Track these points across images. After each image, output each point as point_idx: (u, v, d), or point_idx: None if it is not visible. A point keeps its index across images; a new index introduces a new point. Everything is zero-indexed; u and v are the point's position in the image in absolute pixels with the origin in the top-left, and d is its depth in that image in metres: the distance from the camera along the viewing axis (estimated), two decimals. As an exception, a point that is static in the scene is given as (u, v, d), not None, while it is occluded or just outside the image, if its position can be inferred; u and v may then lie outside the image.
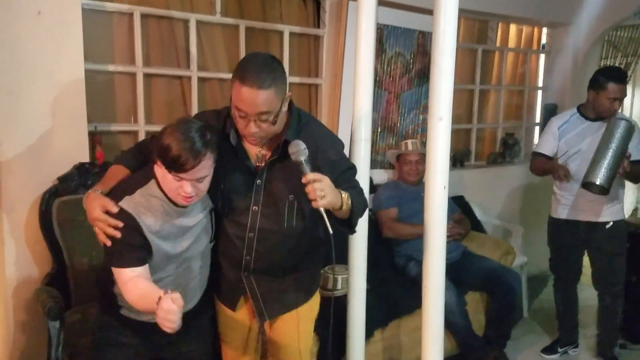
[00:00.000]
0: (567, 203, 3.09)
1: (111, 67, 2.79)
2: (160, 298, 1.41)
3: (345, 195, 1.62)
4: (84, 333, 2.09)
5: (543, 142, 3.17)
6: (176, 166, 1.54)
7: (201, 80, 3.07)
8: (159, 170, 1.61)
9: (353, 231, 1.76)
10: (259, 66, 1.60)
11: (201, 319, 1.92)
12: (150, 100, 2.96)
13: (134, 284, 1.58)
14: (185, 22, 2.98)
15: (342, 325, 2.28)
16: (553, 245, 3.28)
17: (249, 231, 1.77)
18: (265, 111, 1.60)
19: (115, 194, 1.66)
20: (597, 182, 2.70)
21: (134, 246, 1.60)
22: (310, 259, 1.92)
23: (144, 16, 2.84)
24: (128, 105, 2.90)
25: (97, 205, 1.62)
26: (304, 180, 1.55)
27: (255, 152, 1.75)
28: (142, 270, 1.62)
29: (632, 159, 2.82)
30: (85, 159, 2.56)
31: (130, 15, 2.80)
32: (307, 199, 1.57)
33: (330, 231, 1.57)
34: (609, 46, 4.57)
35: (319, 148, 1.71)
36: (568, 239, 3.15)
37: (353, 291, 2.23)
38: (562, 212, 3.13)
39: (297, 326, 1.94)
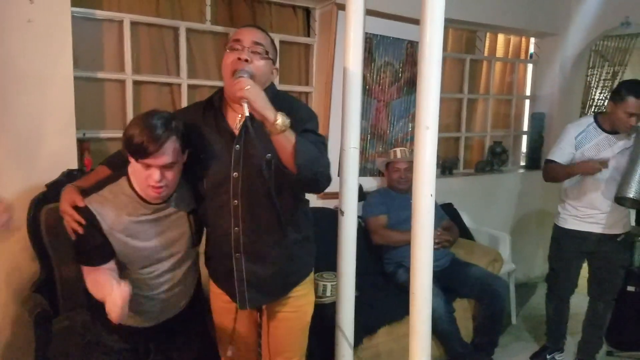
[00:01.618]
0: (579, 214, 3.00)
1: (100, 74, 2.80)
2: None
3: (282, 115, 1.59)
4: (71, 340, 2.08)
5: (560, 150, 3.01)
6: (140, 151, 1.58)
7: (191, 87, 3.09)
8: (131, 165, 1.65)
9: (300, 173, 1.63)
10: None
11: (191, 326, 1.92)
12: (140, 107, 2.96)
13: (94, 277, 1.63)
14: (175, 29, 3.00)
15: (330, 332, 2.28)
16: (557, 256, 3.18)
17: (232, 199, 1.77)
18: (261, 43, 1.74)
19: (88, 191, 1.72)
20: (631, 196, 2.66)
21: (94, 245, 1.64)
22: (299, 246, 1.91)
23: (134, 24, 2.86)
24: (117, 112, 2.90)
25: (67, 198, 1.69)
26: (234, 81, 1.62)
27: (235, 118, 1.77)
28: (104, 268, 1.66)
29: None
30: (74, 165, 2.55)
31: (120, 22, 2.81)
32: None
33: (246, 113, 1.58)
34: (596, 56, 4.62)
35: (291, 109, 1.73)
36: (574, 250, 3.07)
37: (342, 298, 2.23)
38: (573, 223, 3.04)
39: (292, 322, 1.96)
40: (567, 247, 3.10)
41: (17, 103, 2.39)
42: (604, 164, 2.82)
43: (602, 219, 2.95)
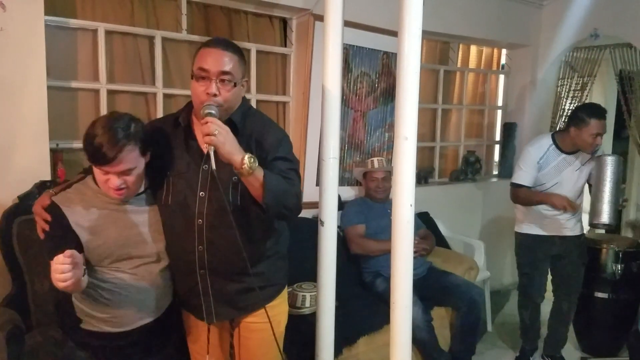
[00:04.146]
0: (545, 221, 3.15)
1: (74, 84, 2.75)
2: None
3: (249, 158, 1.58)
4: (44, 356, 2.02)
5: (524, 174, 3.11)
6: (97, 158, 1.59)
7: (167, 97, 3.06)
8: (93, 168, 1.66)
9: (268, 211, 1.66)
10: (226, 40, 1.77)
11: (167, 345, 1.89)
12: (115, 117, 2.92)
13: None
14: (151, 38, 2.97)
15: (310, 342, 2.27)
16: (528, 263, 3.27)
17: (197, 218, 1.75)
18: (228, 71, 1.68)
19: (58, 192, 1.73)
20: (605, 222, 2.81)
21: (61, 238, 1.62)
22: (267, 261, 1.89)
23: (109, 33, 2.82)
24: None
25: (39, 200, 1.71)
26: (202, 121, 1.60)
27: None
28: None
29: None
30: (47, 176, 2.49)
31: (95, 31, 2.77)
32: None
33: (213, 167, 1.57)
34: (566, 67, 4.72)
35: (261, 133, 1.76)
36: (543, 254, 3.22)
37: (322, 309, 2.22)
38: (540, 230, 3.19)
39: (265, 332, 1.91)
40: (537, 252, 3.23)
41: (-12, 113, 2.33)
42: (575, 208, 3.00)
43: (564, 224, 3.13)
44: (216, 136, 1.55)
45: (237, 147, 1.60)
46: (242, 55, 1.78)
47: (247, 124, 1.77)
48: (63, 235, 1.62)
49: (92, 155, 1.59)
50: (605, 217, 2.81)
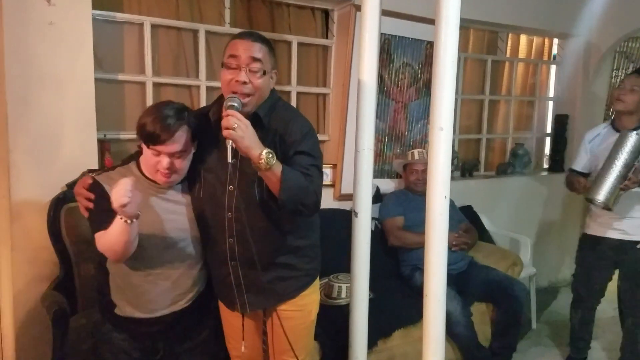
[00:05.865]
0: (599, 220, 2.95)
1: (121, 76, 2.84)
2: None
3: (267, 153, 1.59)
4: (88, 338, 2.11)
5: (578, 157, 3.05)
6: (153, 138, 1.65)
7: (210, 89, 3.12)
8: (143, 152, 1.72)
9: (284, 207, 1.68)
10: (255, 32, 1.81)
11: (203, 330, 1.94)
12: (160, 109, 3.00)
13: (104, 232, 1.63)
14: (195, 32, 3.04)
15: (345, 333, 2.28)
16: (580, 263, 3.12)
17: (227, 211, 1.78)
18: (258, 59, 1.71)
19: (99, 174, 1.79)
20: (599, 199, 2.65)
21: (104, 209, 1.65)
22: (297, 252, 1.91)
23: (154, 26, 2.90)
24: (137, 114, 2.86)
25: (80, 182, 1.78)
26: (224, 114, 1.62)
27: None
28: None
29: None
30: (94, 166, 2.59)
31: (141, 25, 2.85)
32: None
33: (229, 160, 1.61)
34: (620, 57, 4.52)
35: (285, 127, 1.76)
36: (595, 256, 3.00)
37: (355, 300, 2.22)
38: (592, 229, 3.00)
39: (296, 320, 1.95)
40: (588, 253, 3.05)
41: (38, 104, 2.44)
42: (584, 187, 2.84)
43: (619, 224, 2.88)
44: (235, 130, 1.58)
45: (256, 141, 1.61)
46: (271, 47, 1.80)
47: (273, 119, 1.78)
48: (108, 209, 1.63)
49: (148, 135, 1.66)
50: (602, 195, 2.64)
